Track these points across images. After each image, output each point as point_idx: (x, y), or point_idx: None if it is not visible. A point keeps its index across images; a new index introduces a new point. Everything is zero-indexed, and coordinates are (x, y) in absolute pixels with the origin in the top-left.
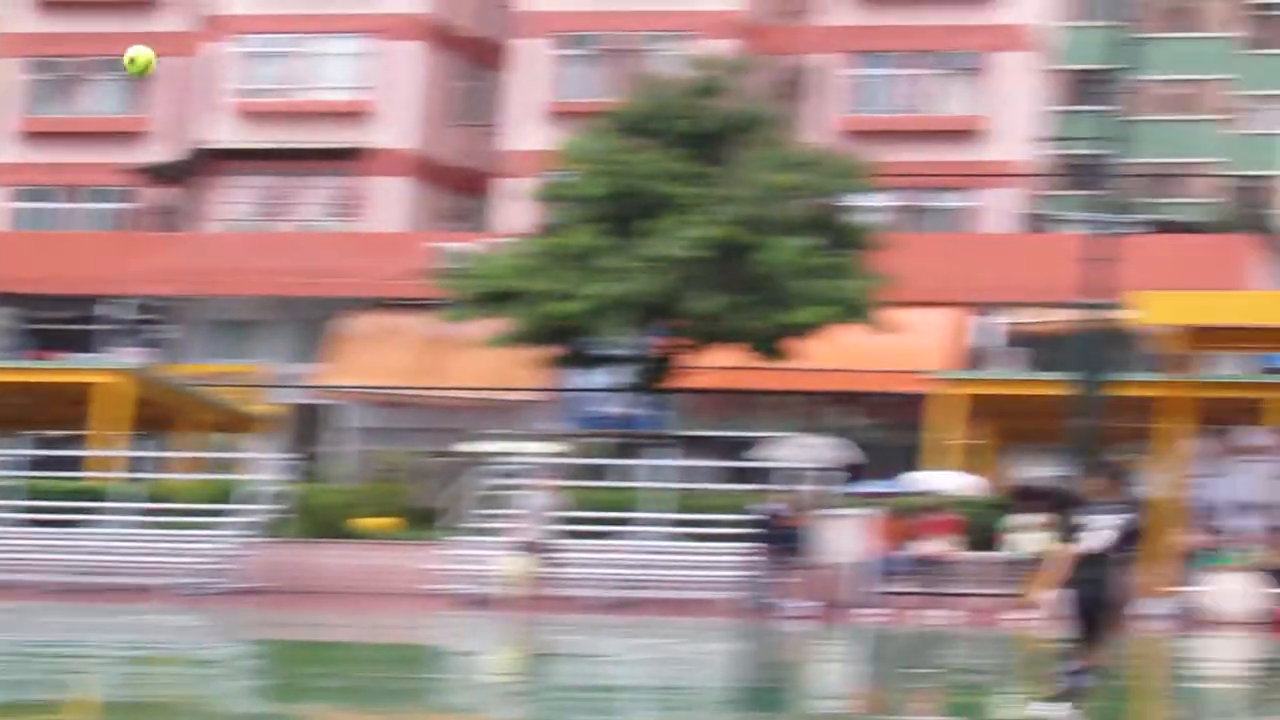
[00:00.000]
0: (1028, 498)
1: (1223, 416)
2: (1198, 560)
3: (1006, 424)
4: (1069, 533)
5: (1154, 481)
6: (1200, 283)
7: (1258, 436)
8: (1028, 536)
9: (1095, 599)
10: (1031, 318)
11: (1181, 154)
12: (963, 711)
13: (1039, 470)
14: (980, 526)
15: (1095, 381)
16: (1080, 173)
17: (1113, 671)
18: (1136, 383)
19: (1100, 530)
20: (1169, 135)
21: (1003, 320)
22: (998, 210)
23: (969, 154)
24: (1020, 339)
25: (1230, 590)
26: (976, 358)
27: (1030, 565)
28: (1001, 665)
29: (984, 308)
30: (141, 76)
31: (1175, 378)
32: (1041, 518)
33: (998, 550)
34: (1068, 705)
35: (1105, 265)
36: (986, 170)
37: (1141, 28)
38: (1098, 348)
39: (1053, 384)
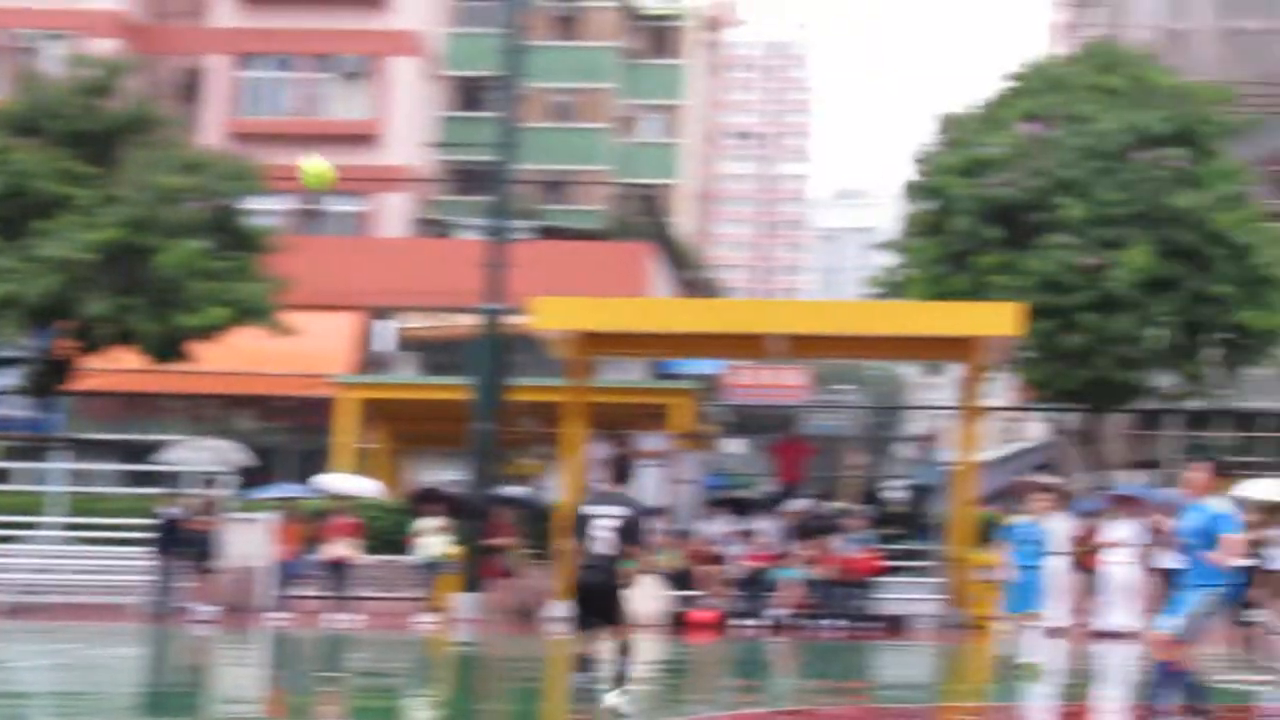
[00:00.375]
0: (429, 501)
1: (621, 421)
2: None
3: (404, 428)
4: (579, 528)
5: (558, 485)
6: (601, 289)
7: (655, 441)
8: (431, 540)
9: (601, 594)
10: (423, 322)
11: (573, 161)
12: (369, 714)
13: (440, 474)
14: (383, 530)
15: (492, 386)
16: (472, 178)
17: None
18: (534, 387)
19: (604, 527)
20: (560, 143)
21: (398, 324)
22: (393, 214)
23: (362, 158)
24: (413, 343)
25: (633, 593)
26: (375, 362)
27: (435, 569)
28: (408, 668)
29: (381, 312)
30: (319, 188)
31: (572, 383)
32: (443, 521)
33: (404, 554)
34: (622, 690)
35: (500, 270)
36: (379, 175)
37: (529, 35)
38: (494, 352)
39: (448, 388)
